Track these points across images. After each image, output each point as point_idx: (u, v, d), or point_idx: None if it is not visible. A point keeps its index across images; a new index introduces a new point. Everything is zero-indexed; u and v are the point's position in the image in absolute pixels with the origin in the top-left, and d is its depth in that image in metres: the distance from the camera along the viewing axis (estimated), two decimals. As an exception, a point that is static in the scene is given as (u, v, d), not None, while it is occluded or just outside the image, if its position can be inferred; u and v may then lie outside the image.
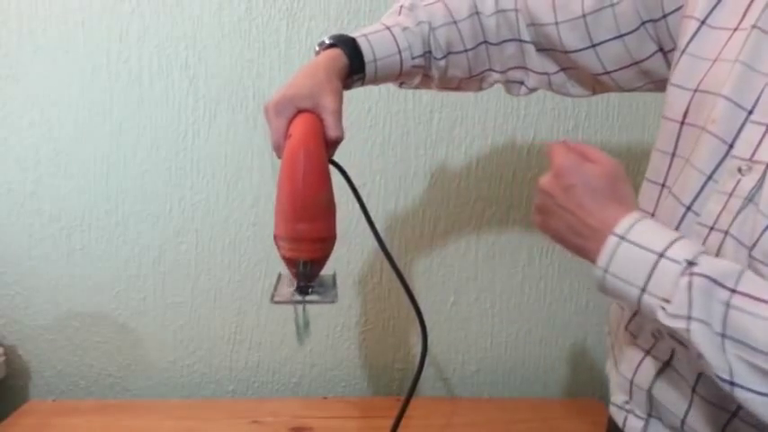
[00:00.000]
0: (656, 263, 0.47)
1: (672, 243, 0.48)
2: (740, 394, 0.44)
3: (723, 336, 0.44)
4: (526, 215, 1.18)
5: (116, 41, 1.07)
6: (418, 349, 1.23)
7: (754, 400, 0.44)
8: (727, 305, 0.44)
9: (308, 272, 0.64)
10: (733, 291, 0.44)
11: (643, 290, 0.48)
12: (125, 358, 1.20)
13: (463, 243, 1.19)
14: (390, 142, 1.13)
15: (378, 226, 0.73)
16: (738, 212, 0.49)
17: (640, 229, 0.50)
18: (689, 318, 0.45)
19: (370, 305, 1.20)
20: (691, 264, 0.46)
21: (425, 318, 0.76)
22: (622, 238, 0.49)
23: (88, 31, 1.06)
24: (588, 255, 0.53)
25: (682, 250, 0.47)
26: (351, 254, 1.16)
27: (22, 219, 1.12)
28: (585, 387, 1.27)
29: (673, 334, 0.48)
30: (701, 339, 0.44)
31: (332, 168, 0.66)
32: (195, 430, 1.05)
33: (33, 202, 1.12)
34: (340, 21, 1.07)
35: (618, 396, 0.63)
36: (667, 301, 0.46)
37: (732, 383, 0.44)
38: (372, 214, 0.72)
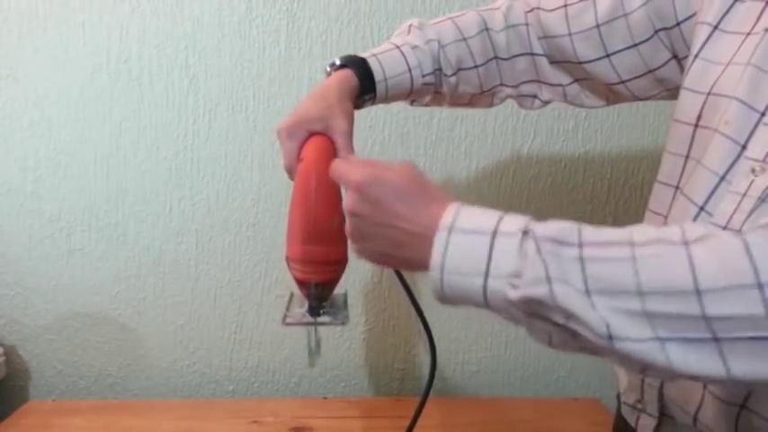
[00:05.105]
0: (493, 242, 0.44)
1: (500, 219, 0.45)
2: (621, 347, 0.40)
3: (587, 292, 0.41)
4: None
5: (116, 41, 1.07)
6: (418, 349, 1.23)
7: (635, 349, 0.40)
8: (581, 260, 0.41)
9: (319, 293, 0.65)
10: (580, 245, 0.42)
11: (486, 275, 0.43)
12: (125, 358, 1.20)
13: (463, 243, 1.19)
14: (390, 142, 1.13)
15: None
16: (751, 212, 0.48)
17: (466, 216, 0.46)
18: (548, 279, 0.41)
19: (370, 305, 1.20)
20: (526, 232, 0.43)
21: (426, 317, 0.76)
22: (450, 229, 0.45)
23: (88, 31, 1.06)
24: (422, 264, 0.47)
25: (512, 222, 0.44)
26: (351, 254, 1.16)
27: (22, 219, 1.12)
28: (585, 387, 1.27)
29: (531, 309, 0.43)
30: (569, 300, 0.40)
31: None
32: (195, 430, 1.05)
33: (33, 202, 1.12)
34: (340, 21, 1.07)
35: (629, 395, 0.64)
36: (517, 275, 0.42)
37: (611, 337, 0.40)
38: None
